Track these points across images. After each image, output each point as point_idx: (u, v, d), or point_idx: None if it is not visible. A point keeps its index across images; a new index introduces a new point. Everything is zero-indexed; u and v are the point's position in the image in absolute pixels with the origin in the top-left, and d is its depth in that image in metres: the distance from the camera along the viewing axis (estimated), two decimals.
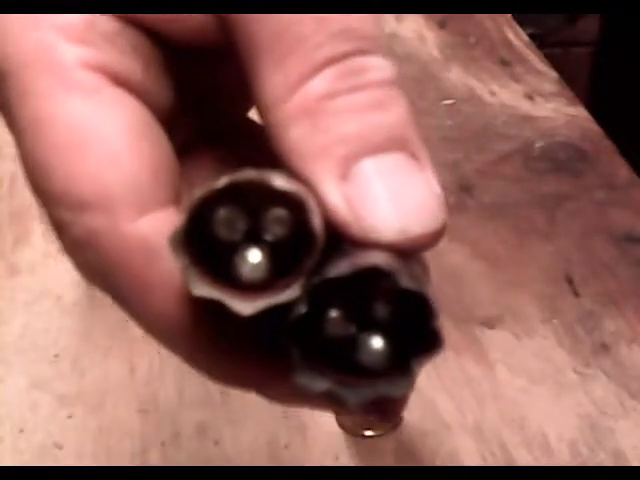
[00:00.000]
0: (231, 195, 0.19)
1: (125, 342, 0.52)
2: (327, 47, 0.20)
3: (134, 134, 0.21)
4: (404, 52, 0.74)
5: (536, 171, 0.65)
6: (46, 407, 0.48)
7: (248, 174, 0.19)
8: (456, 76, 0.77)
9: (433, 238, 0.20)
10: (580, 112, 0.70)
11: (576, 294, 0.56)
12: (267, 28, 0.20)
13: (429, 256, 0.22)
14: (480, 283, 0.56)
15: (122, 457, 0.46)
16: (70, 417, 0.48)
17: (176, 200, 0.21)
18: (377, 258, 0.19)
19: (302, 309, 0.19)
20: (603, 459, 0.46)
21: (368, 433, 0.47)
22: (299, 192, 0.19)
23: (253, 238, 0.19)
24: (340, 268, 0.19)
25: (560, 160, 0.66)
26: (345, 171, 0.20)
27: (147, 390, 0.49)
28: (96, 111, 0.21)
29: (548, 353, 0.52)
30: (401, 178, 0.20)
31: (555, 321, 0.54)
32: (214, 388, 0.49)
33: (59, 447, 0.46)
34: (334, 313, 0.19)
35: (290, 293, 0.19)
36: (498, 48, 0.81)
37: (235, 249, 0.19)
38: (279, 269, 0.19)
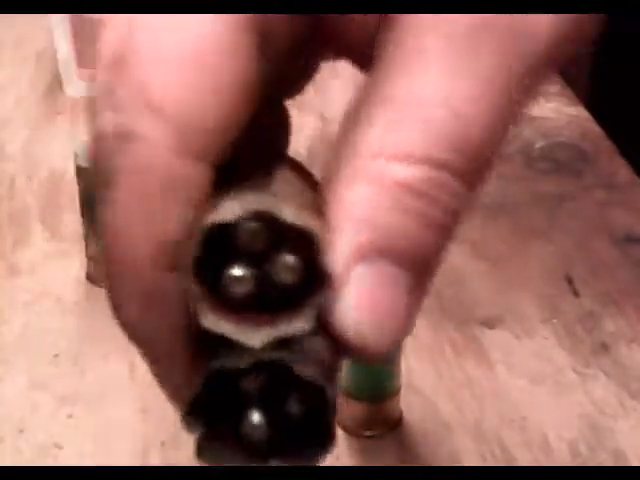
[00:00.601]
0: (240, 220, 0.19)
1: (125, 342, 0.52)
2: (437, 149, 0.20)
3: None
4: None
5: (536, 171, 0.65)
6: (46, 407, 0.48)
7: (260, 203, 0.19)
8: None
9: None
10: (580, 112, 0.70)
11: (576, 294, 0.56)
12: (406, 87, 0.20)
13: None
14: (480, 283, 0.56)
15: (122, 457, 0.46)
16: (70, 417, 0.48)
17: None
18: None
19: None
20: (603, 459, 0.45)
21: (368, 433, 0.47)
22: (310, 229, 0.19)
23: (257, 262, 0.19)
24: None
25: (560, 160, 0.66)
26: (363, 256, 0.20)
27: (147, 390, 0.49)
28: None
29: (548, 353, 0.52)
30: (389, 292, 0.20)
31: (555, 321, 0.54)
32: None
33: (59, 447, 0.46)
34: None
35: (301, 326, 0.19)
36: None
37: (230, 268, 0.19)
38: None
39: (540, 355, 0.51)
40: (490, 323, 0.53)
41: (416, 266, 0.20)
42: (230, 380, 0.20)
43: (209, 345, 0.20)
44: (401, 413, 0.48)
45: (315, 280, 0.19)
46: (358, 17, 0.22)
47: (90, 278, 0.57)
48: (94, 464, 0.45)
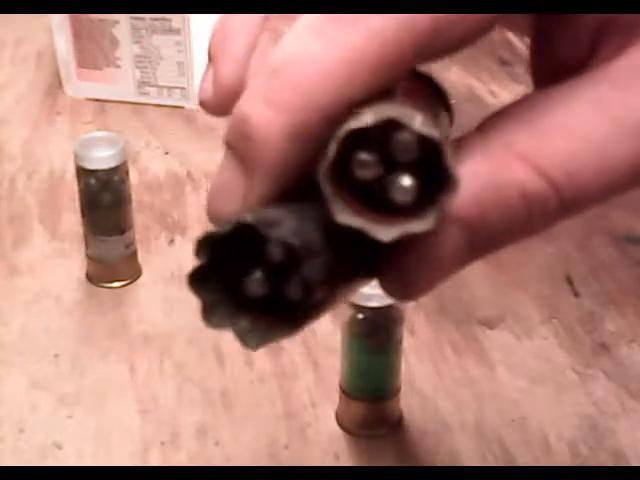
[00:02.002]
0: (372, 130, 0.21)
1: (125, 342, 0.52)
2: (560, 173, 0.22)
3: None
4: None
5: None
6: (46, 407, 0.48)
7: (392, 111, 0.21)
8: (456, 76, 0.77)
9: None
10: None
11: (576, 294, 0.56)
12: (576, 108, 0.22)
13: None
14: (480, 283, 0.56)
15: (122, 457, 0.46)
16: (70, 417, 0.48)
17: None
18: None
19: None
20: (603, 459, 0.46)
21: (368, 433, 0.47)
22: (436, 136, 0.20)
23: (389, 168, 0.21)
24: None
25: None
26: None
27: (147, 390, 0.49)
28: None
29: (548, 353, 0.52)
30: (449, 244, 0.23)
31: (555, 321, 0.54)
32: (214, 388, 0.49)
33: (59, 447, 0.46)
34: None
35: (426, 223, 0.21)
36: (498, 48, 0.81)
37: (378, 179, 0.21)
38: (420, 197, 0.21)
39: (540, 355, 0.51)
40: (490, 323, 0.54)
41: (475, 242, 0.22)
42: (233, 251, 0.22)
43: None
44: (401, 413, 0.48)
45: (439, 184, 0.21)
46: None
47: (90, 278, 0.57)
48: (94, 464, 0.45)
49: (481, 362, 0.51)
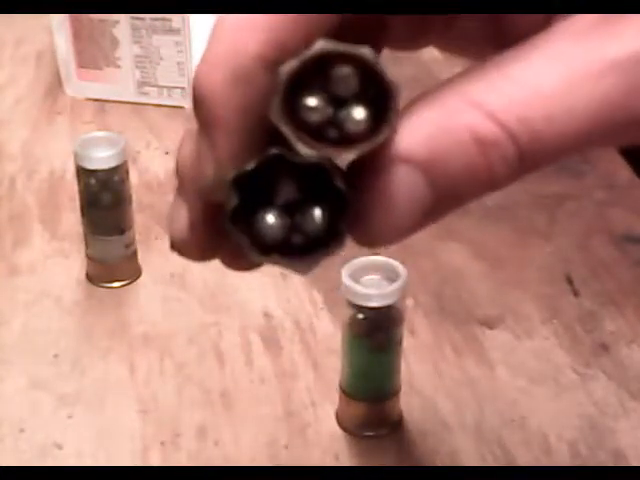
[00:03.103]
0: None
1: (125, 342, 0.52)
2: (510, 119, 0.22)
3: None
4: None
5: (537, 171, 0.65)
6: (46, 407, 0.48)
7: (322, 45, 0.22)
8: None
9: None
10: None
11: (576, 294, 0.56)
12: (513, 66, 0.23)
13: (428, 256, 0.23)
14: (480, 283, 0.56)
15: (122, 457, 0.46)
16: (70, 417, 0.48)
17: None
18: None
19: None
20: (603, 459, 0.45)
21: (368, 433, 0.47)
22: (366, 54, 0.22)
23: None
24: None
25: (560, 161, 0.66)
26: (398, 159, 0.23)
27: (147, 390, 0.49)
28: None
29: (548, 353, 0.52)
30: (407, 191, 0.23)
31: (555, 321, 0.54)
32: (214, 388, 0.49)
33: (59, 447, 0.46)
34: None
35: (382, 137, 0.22)
36: None
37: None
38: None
39: (540, 355, 0.51)
40: (490, 323, 0.53)
41: (442, 195, 0.23)
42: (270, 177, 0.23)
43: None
44: (401, 413, 0.48)
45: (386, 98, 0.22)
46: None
47: (90, 278, 0.57)
48: (94, 464, 0.45)
49: (481, 362, 0.51)
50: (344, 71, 0.22)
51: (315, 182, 0.23)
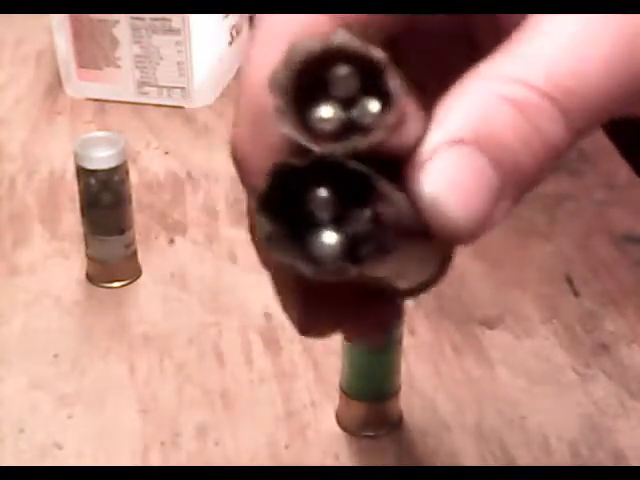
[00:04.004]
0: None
1: (125, 342, 0.52)
2: (550, 85, 0.22)
3: None
4: None
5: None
6: (46, 407, 0.48)
7: (346, 41, 0.21)
8: None
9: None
10: None
11: (576, 294, 0.56)
12: (534, 35, 0.22)
13: None
14: (480, 283, 0.56)
15: (122, 457, 0.46)
16: (70, 417, 0.48)
17: None
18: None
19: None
20: (603, 459, 0.45)
21: (368, 433, 0.47)
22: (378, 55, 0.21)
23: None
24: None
25: (560, 160, 0.66)
26: (454, 141, 0.22)
27: (147, 390, 0.49)
28: None
29: (548, 353, 0.52)
30: (473, 176, 0.22)
31: (555, 321, 0.54)
32: (214, 388, 0.49)
33: (59, 447, 0.46)
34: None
35: (371, 139, 0.21)
36: None
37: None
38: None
39: (540, 355, 0.51)
40: (490, 323, 0.53)
41: (503, 169, 0.22)
42: (298, 183, 0.22)
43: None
44: (401, 413, 0.48)
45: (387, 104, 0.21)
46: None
47: (90, 278, 0.57)
48: (94, 464, 0.45)
49: (481, 362, 0.51)
50: (344, 71, 0.21)
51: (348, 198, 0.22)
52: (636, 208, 0.62)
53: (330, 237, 0.21)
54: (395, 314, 0.29)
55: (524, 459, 0.46)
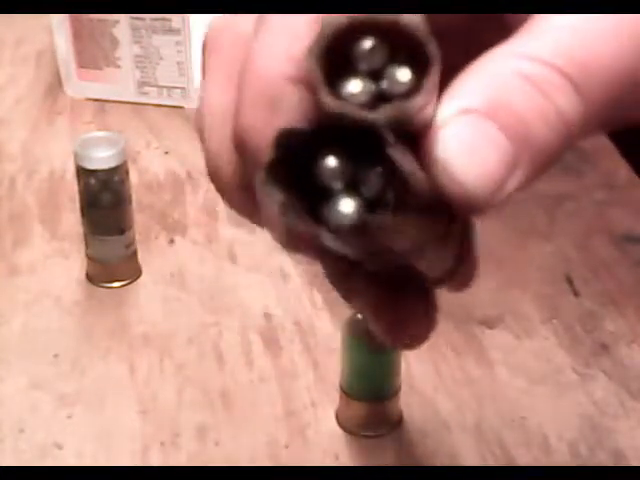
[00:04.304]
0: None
1: (125, 342, 0.52)
2: (561, 60, 0.22)
3: None
4: None
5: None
6: (46, 407, 0.48)
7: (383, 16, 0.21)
8: None
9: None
10: None
11: (576, 294, 0.56)
12: (543, 22, 0.23)
13: None
14: (480, 283, 0.56)
15: (122, 457, 0.46)
16: (70, 417, 0.48)
17: None
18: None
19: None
20: (603, 459, 0.45)
21: (368, 433, 0.47)
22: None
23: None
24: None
25: (560, 160, 0.66)
26: (469, 110, 0.22)
27: (147, 390, 0.49)
28: None
29: (548, 353, 0.52)
30: (487, 145, 0.22)
31: (555, 321, 0.54)
32: (214, 388, 0.49)
33: (59, 447, 0.46)
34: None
35: (421, 98, 0.21)
36: None
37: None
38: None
39: (540, 355, 0.51)
40: (490, 323, 0.53)
41: (518, 140, 0.22)
42: (303, 152, 0.22)
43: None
44: (401, 413, 0.48)
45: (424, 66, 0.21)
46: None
47: (90, 278, 0.57)
48: (94, 464, 0.45)
49: (481, 362, 0.51)
50: (370, 44, 0.21)
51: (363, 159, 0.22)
52: (636, 208, 0.62)
53: (347, 205, 0.21)
54: (430, 315, 0.29)
55: (524, 459, 0.46)
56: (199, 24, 0.70)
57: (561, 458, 0.46)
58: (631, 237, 0.60)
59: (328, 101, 0.21)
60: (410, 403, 0.48)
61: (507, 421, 0.48)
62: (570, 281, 0.56)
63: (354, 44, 0.21)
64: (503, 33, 0.23)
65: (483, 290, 0.56)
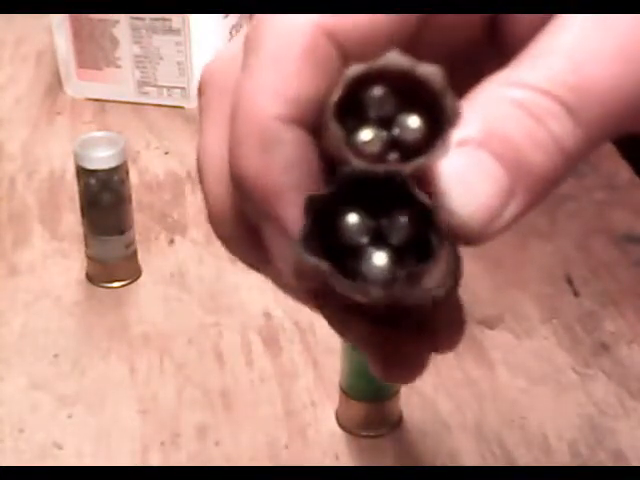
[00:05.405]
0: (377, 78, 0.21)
1: (125, 342, 0.52)
2: (553, 85, 0.22)
3: None
4: None
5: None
6: (46, 407, 0.48)
7: (398, 61, 0.21)
8: None
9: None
10: None
11: (576, 294, 0.56)
12: (539, 44, 0.23)
13: None
14: (480, 283, 0.56)
15: (122, 457, 0.46)
16: (70, 417, 0.48)
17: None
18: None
19: (331, 189, 0.21)
20: (603, 459, 0.46)
21: (368, 433, 0.47)
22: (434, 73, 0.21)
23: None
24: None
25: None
26: (464, 142, 0.22)
27: (147, 390, 0.49)
28: None
29: (548, 353, 0.52)
30: (483, 177, 0.22)
31: (555, 321, 0.54)
32: (214, 388, 0.49)
33: (59, 447, 0.46)
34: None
35: (438, 152, 0.21)
36: None
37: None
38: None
39: (540, 355, 0.51)
40: (490, 323, 0.53)
41: (513, 168, 0.22)
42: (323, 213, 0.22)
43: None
44: (401, 413, 0.48)
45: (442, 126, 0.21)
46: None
47: (90, 278, 0.57)
48: (94, 464, 0.45)
49: (481, 362, 0.51)
50: (380, 92, 0.21)
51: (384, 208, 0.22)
52: (636, 208, 0.62)
53: (380, 258, 0.21)
54: (423, 353, 0.28)
55: (524, 459, 0.46)
56: (199, 24, 0.70)
57: (561, 458, 0.46)
58: (631, 237, 0.60)
59: (354, 162, 0.21)
60: (410, 403, 0.48)
61: (507, 421, 0.48)
62: (570, 281, 0.56)
63: (364, 91, 0.21)
64: (502, 61, 0.23)
65: (483, 290, 0.56)
